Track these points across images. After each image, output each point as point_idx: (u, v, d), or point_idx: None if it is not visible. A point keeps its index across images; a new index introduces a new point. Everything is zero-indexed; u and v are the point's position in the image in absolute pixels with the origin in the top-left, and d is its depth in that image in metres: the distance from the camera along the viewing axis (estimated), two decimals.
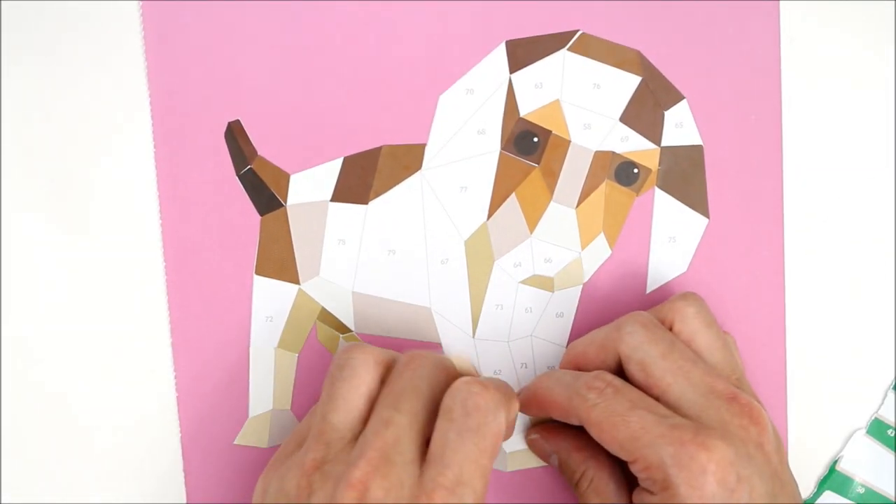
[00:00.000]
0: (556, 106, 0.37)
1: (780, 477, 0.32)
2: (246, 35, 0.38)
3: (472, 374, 0.36)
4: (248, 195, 0.38)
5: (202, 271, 0.38)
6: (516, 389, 0.38)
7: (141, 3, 0.38)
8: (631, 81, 0.37)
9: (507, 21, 0.37)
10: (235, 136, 0.38)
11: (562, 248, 0.37)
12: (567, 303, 0.38)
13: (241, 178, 0.38)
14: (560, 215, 0.36)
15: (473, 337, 0.38)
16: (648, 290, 0.38)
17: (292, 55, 0.38)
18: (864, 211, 0.39)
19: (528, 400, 0.36)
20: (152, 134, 0.38)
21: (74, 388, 0.39)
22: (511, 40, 0.37)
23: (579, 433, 0.35)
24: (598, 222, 0.37)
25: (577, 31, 0.37)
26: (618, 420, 0.32)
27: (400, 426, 0.31)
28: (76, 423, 0.39)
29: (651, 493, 0.31)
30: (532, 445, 0.38)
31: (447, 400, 0.31)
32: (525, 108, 0.37)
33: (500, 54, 0.37)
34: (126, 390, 0.39)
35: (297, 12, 0.38)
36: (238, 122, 0.38)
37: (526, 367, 0.38)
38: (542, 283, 0.38)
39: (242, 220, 0.38)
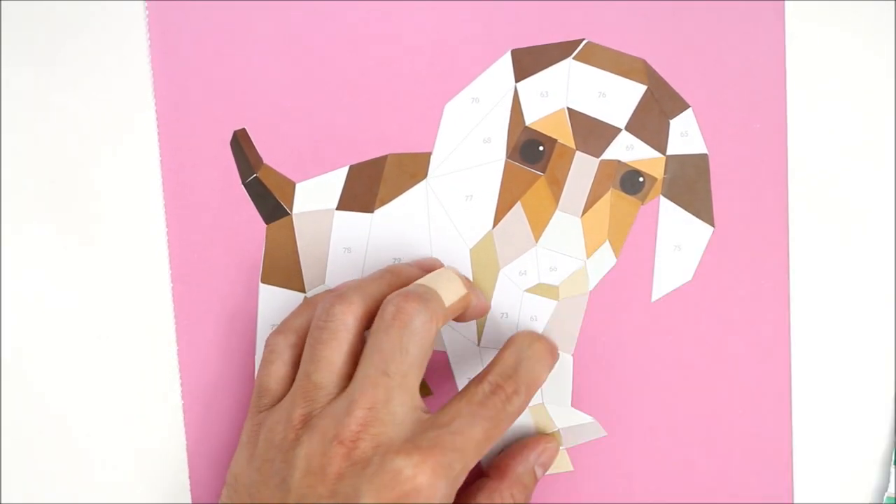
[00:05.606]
0: (561, 114, 0.37)
1: None
2: (252, 43, 0.38)
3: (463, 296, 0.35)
4: (254, 203, 0.38)
5: (208, 279, 0.38)
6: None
7: (147, 6, 0.38)
8: (636, 90, 0.37)
9: (512, 30, 0.37)
10: (241, 144, 0.38)
11: (567, 257, 0.37)
12: (572, 311, 0.38)
13: (246, 186, 0.38)
14: (565, 224, 0.36)
15: (478, 345, 0.38)
16: (654, 299, 0.38)
17: (298, 63, 0.38)
18: (871, 220, 0.39)
19: None
20: (158, 142, 0.38)
21: (78, 393, 0.39)
22: (517, 49, 0.37)
23: None
24: (603, 231, 0.37)
25: (583, 39, 0.37)
26: None
27: (388, 387, 0.32)
28: (80, 428, 0.39)
29: None
30: None
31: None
32: (531, 117, 0.37)
33: (505, 63, 0.37)
34: (131, 397, 0.39)
35: (304, 20, 0.38)
36: (244, 130, 0.38)
37: None
38: (548, 291, 0.38)
39: (248, 229, 0.38)
